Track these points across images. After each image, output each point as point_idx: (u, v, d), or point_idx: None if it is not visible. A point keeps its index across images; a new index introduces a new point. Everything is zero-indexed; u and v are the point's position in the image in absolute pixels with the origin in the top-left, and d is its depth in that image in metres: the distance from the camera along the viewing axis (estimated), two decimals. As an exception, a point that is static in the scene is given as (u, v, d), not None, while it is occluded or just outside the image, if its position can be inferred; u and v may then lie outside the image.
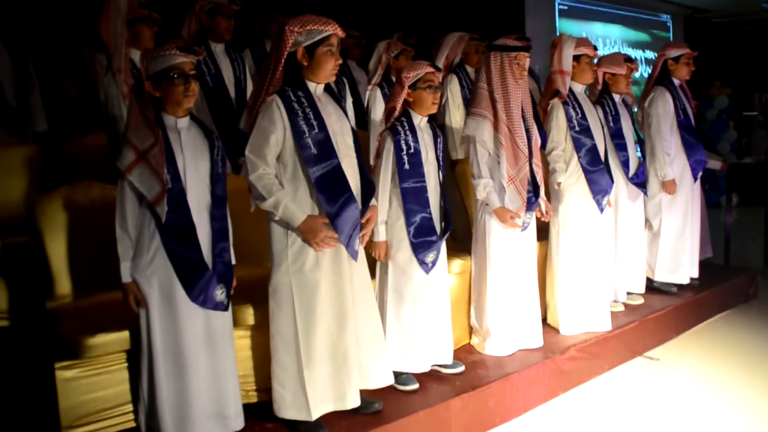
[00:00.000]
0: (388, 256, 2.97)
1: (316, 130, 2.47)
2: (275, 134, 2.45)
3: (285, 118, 2.45)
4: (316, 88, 2.57)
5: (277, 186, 2.46)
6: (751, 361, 3.83)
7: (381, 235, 2.96)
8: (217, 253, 2.42)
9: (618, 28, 9.43)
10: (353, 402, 2.59)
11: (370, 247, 2.93)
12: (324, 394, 2.55)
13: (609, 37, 9.28)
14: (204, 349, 2.39)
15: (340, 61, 2.55)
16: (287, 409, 2.55)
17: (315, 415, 2.52)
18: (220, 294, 2.41)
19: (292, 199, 2.47)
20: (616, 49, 9.25)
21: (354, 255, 2.57)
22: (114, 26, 3.31)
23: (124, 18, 3.30)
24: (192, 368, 2.35)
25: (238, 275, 2.53)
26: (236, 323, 2.60)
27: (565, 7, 8.49)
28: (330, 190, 2.47)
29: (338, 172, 2.48)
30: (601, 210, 3.73)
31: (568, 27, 8.45)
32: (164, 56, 2.32)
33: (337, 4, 5.78)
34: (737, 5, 10.02)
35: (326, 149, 2.47)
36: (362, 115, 4.69)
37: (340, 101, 2.67)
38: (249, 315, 2.69)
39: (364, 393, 2.68)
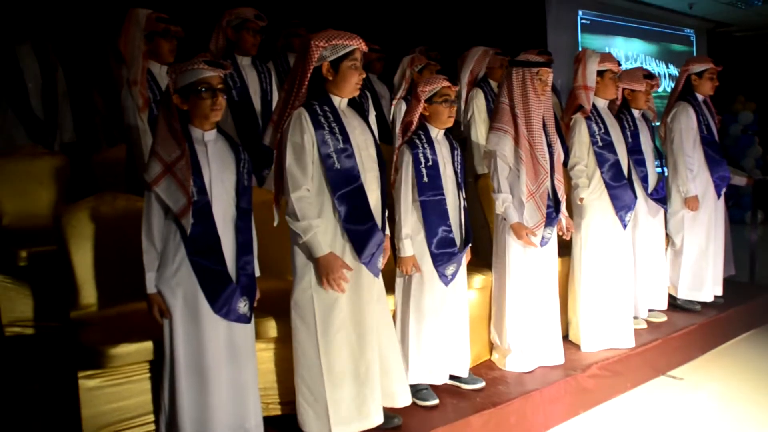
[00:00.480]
0: (416, 270, 2.97)
1: (341, 145, 2.49)
2: (307, 146, 2.47)
3: (311, 131, 2.47)
4: (341, 102, 2.59)
5: (314, 212, 2.48)
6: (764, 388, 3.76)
7: (408, 250, 2.96)
8: (241, 266, 2.44)
9: (640, 43, 9.40)
10: (377, 420, 2.59)
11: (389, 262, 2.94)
12: (349, 413, 2.55)
13: (631, 52, 9.25)
14: (226, 361, 2.41)
15: (364, 75, 2.57)
16: (310, 424, 2.56)
17: None
18: (243, 306, 2.43)
19: (324, 231, 2.49)
20: (638, 64, 9.22)
21: (376, 273, 2.59)
22: (132, 39, 3.35)
23: (142, 32, 3.34)
24: (213, 380, 2.36)
25: (261, 288, 2.54)
26: (258, 335, 2.61)
27: (588, 22, 8.48)
28: (351, 206, 2.49)
29: (360, 189, 2.50)
30: (624, 226, 3.71)
31: (590, 42, 8.44)
32: (192, 70, 2.35)
33: (359, 18, 5.84)
34: (760, 18, 9.93)
35: (350, 163, 2.49)
36: (385, 129, 4.71)
37: (365, 115, 2.68)
38: (271, 328, 2.70)
39: (384, 408, 2.67)
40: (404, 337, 3.01)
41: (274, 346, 2.74)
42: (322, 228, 2.49)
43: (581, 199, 3.69)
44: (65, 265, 2.82)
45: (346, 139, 2.51)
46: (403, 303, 3.05)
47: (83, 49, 4.74)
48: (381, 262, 2.63)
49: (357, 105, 2.70)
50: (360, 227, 2.50)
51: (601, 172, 3.68)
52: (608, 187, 3.67)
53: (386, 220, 2.68)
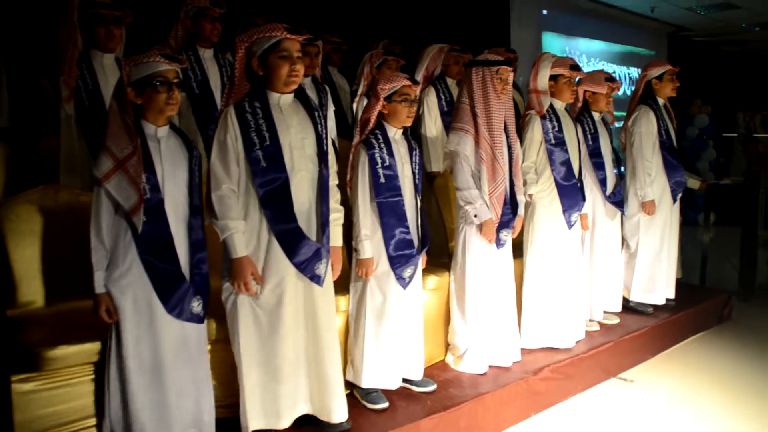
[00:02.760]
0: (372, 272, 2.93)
1: (268, 143, 2.43)
2: (231, 145, 2.42)
3: (236, 129, 2.42)
4: (280, 99, 2.52)
5: (235, 212, 2.43)
6: (724, 384, 3.83)
7: (366, 252, 2.91)
8: (195, 264, 2.41)
9: (602, 44, 9.49)
10: (286, 423, 2.56)
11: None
12: (263, 408, 2.53)
13: (593, 53, 9.34)
14: (180, 361, 2.37)
15: (298, 66, 2.47)
16: (241, 416, 2.54)
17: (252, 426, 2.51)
18: (197, 306, 2.39)
19: (243, 232, 2.44)
20: (600, 65, 9.32)
21: (317, 281, 2.54)
22: (65, 26, 3.22)
23: (74, 19, 3.20)
24: (169, 379, 2.33)
25: (207, 288, 2.48)
26: (204, 338, 2.55)
27: (551, 21, 8.52)
28: (275, 207, 2.44)
29: (284, 190, 2.45)
30: (570, 226, 3.71)
31: (552, 41, 8.49)
32: (147, 63, 2.29)
33: (322, 9, 5.76)
34: (718, 24, 10.13)
35: (276, 163, 2.44)
36: (346, 123, 4.65)
37: (312, 111, 2.61)
38: (213, 329, 2.63)
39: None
40: (360, 341, 2.97)
41: (214, 347, 2.66)
42: (245, 229, 2.45)
43: (530, 196, 3.69)
44: (2, 260, 2.69)
45: (274, 138, 2.45)
46: (358, 306, 3.00)
47: (32, 33, 4.55)
48: (324, 269, 2.55)
49: (304, 100, 2.62)
50: (285, 226, 2.45)
51: (552, 170, 3.68)
52: (558, 185, 3.67)
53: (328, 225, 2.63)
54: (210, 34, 3.62)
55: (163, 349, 2.32)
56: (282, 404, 2.54)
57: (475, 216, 3.26)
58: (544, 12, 8.37)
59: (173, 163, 2.38)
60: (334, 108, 4.27)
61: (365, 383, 2.95)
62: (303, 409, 2.62)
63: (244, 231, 2.46)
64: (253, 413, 2.52)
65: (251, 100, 2.48)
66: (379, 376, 2.97)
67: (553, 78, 3.72)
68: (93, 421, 2.46)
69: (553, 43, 8.52)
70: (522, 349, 3.58)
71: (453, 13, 6.87)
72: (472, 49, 4.52)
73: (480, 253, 3.31)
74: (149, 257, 2.28)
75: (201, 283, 2.40)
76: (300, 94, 2.62)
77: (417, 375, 3.10)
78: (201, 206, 2.46)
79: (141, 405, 2.29)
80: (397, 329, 2.98)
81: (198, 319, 2.40)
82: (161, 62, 2.29)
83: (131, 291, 2.28)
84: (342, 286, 3.01)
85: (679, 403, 3.55)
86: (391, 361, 2.99)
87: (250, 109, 2.46)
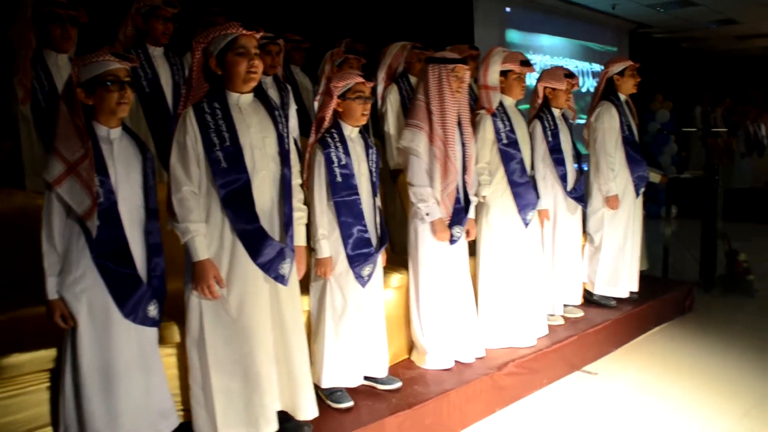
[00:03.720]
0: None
1: (228, 143, 2.41)
2: (190, 146, 2.40)
3: (196, 130, 2.40)
4: (239, 98, 2.50)
5: (196, 215, 2.40)
6: (687, 373, 3.89)
7: (324, 251, 2.89)
8: (152, 268, 2.38)
9: (565, 41, 9.59)
10: (266, 429, 2.51)
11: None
12: (237, 417, 2.48)
13: (556, 49, 9.43)
14: (137, 366, 2.33)
15: (256, 62, 2.45)
16: (201, 427, 2.50)
17: None
18: (153, 310, 2.36)
19: (204, 235, 2.41)
20: (563, 61, 9.41)
21: (281, 281, 2.51)
22: (19, 25, 3.15)
23: (28, 18, 3.13)
24: (123, 387, 2.29)
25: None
26: (163, 341, 2.51)
27: (514, 19, 8.58)
28: (237, 207, 2.42)
29: (245, 190, 2.42)
30: (526, 224, 3.73)
31: (516, 38, 8.55)
32: (97, 62, 2.24)
33: (284, 7, 5.72)
34: (678, 22, 10.31)
35: (236, 163, 2.41)
36: (309, 122, 4.62)
37: (272, 110, 2.59)
38: (175, 332, 2.59)
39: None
40: (320, 340, 2.95)
41: (177, 351, 2.62)
42: (206, 232, 2.42)
43: (483, 197, 3.70)
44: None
45: (234, 138, 2.42)
46: (318, 305, 2.98)
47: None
48: (288, 269, 2.53)
49: (264, 99, 2.60)
50: (248, 227, 2.43)
51: (505, 170, 3.69)
52: (511, 184, 3.69)
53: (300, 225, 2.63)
54: (161, 34, 3.57)
55: (119, 355, 2.28)
56: (262, 412, 2.50)
57: (427, 214, 3.26)
58: (508, 9, 8.43)
59: (127, 165, 2.34)
60: (296, 107, 4.24)
61: (325, 383, 2.94)
62: (277, 407, 2.60)
63: (206, 234, 2.43)
64: (226, 421, 2.47)
65: (210, 101, 2.45)
66: (340, 374, 2.96)
67: (504, 74, 3.73)
68: (49, 429, 2.39)
69: (517, 40, 8.59)
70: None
71: (417, 11, 6.88)
72: (436, 46, 4.52)
73: (433, 249, 3.32)
74: (104, 261, 2.24)
75: (158, 287, 2.38)
76: (260, 94, 2.60)
77: (381, 373, 3.10)
78: (156, 209, 2.42)
79: (96, 411, 2.25)
80: (358, 328, 2.98)
81: (153, 323, 2.37)
82: (112, 61, 2.24)
83: (86, 296, 2.23)
84: (303, 285, 2.99)
85: (643, 394, 3.60)
86: (351, 359, 2.97)
87: (209, 109, 2.43)
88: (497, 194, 3.71)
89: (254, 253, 2.44)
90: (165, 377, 2.47)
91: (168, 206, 2.43)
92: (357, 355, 2.99)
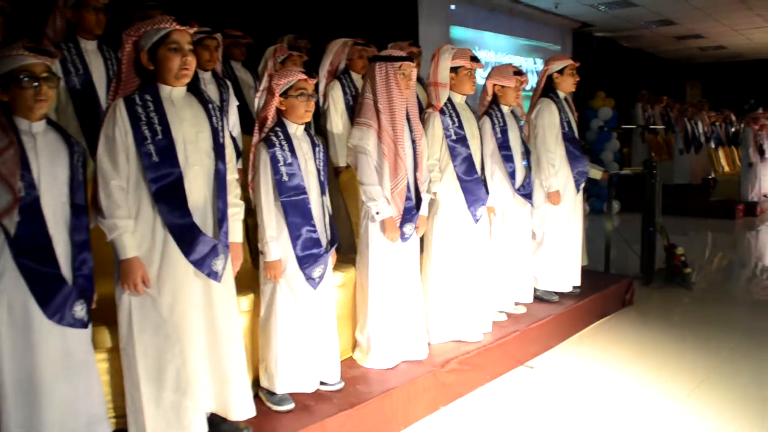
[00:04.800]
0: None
1: (160, 136, 2.34)
2: (119, 140, 2.32)
3: (126, 123, 2.32)
4: (172, 91, 2.43)
5: (123, 211, 2.33)
6: (629, 363, 3.98)
7: (273, 254, 2.82)
8: (77, 266, 2.27)
9: (510, 38, 9.69)
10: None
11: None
12: (167, 423, 2.41)
13: (501, 47, 9.52)
14: (64, 371, 2.22)
15: (190, 59, 2.40)
16: None
17: None
18: (80, 310, 2.25)
19: (132, 232, 2.34)
20: (508, 59, 9.51)
21: (215, 277, 2.45)
22: None
23: None
24: (46, 396, 2.17)
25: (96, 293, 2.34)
26: (94, 346, 2.41)
27: (459, 16, 8.62)
28: (169, 202, 2.35)
29: (178, 185, 2.36)
30: (476, 220, 3.74)
31: (461, 35, 8.59)
32: (11, 57, 2.14)
33: (226, 3, 5.61)
34: (619, 21, 10.54)
35: (168, 158, 2.34)
36: (250, 119, 4.53)
37: (207, 104, 2.52)
38: (107, 337, 2.50)
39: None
40: (271, 346, 2.89)
41: (109, 356, 2.53)
42: (137, 228, 2.35)
43: (434, 194, 3.69)
44: None
45: (167, 131, 2.36)
46: (268, 310, 2.91)
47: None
48: (222, 265, 2.46)
49: (198, 94, 2.53)
50: (180, 222, 2.36)
51: (454, 166, 3.69)
52: (460, 180, 3.69)
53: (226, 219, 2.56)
54: (93, 26, 3.43)
55: (43, 361, 2.17)
56: (194, 417, 2.43)
57: (377, 213, 3.23)
58: (453, 7, 8.46)
59: (51, 159, 2.24)
60: (237, 103, 4.16)
61: (280, 389, 2.87)
62: (210, 409, 2.54)
63: (134, 231, 2.35)
64: (158, 427, 2.40)
65: (142, 94, 2.38)
66: (294, 380, 2.90)
67: (454, 70, 3.73)
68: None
69: (462, 37, 8.63)
70: (430, 342, 3.58)
71: (361, 7, 6.84)
72: (380, 43, 4.50)
73: (383, 248, 3.29)
74: (25, 260, 2.13)
75: (84, 286, 2.27)
76: (193, 88, 2.53)
77: (334, 378, 3.05)
78: (85, 205, 2.33)
79: (19, 422, 2.14)
80: (310, 331, 2.92)
81: (81, 324, 2.26)
82: (26, 56, 2.14)
83: (5, 298, 2.12)
84: (245, 285, 2.93)
85: (586, 387, 3.65)
86: (305, 364, 2.92)
87: (141, 102, 2.36)
88: (447, 190, 3.71)
89: (186, 249, 2.38)
90: (99, 381, 2.37)
91: (93, 201, 2.35)
92: (311, 359, 2.93)
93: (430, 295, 3.72)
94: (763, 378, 3.79)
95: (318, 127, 4.36)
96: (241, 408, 2.56)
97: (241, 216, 2.67)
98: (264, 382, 2.92)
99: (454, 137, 3.70)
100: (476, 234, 3.78)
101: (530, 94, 5.19)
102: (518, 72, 4.21)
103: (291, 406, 2.85)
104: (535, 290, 4.57)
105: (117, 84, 2.42)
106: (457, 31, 8.55)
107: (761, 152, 10.74)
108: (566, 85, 4.51)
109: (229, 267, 2.54)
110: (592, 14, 10.14)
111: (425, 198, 3.45)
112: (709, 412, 3.33)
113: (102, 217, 2.32)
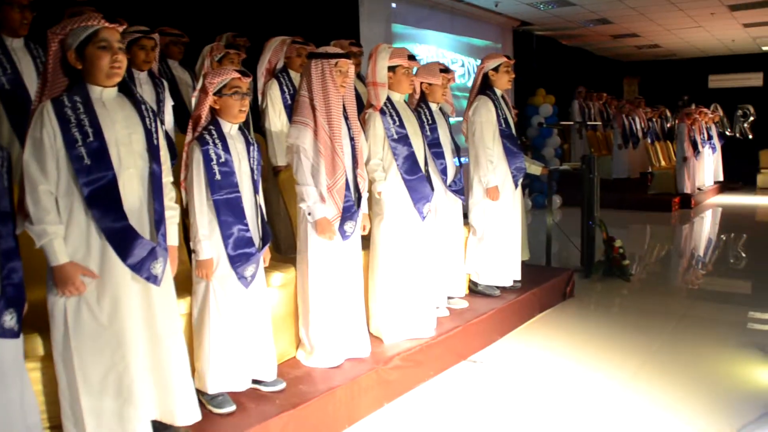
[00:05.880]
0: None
1: (91, 139, 2.28)
2: (47, 143, 2.25)
3: (55, 125, 2.25)
4: (103, 92, 2.37)
5: (53, 216, 2.25)
6: (571, 353, 4.09)
7: (205, 253, 2.79)
8: (6, 275, 2.17)
9: (451, 37, 9.78)
10: None
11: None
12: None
13: (442, 45, 9.59)
14: None
15: (120, 57, 2.35)
16: None
17: None
18: (9, 320, 2.16)
19: (69, 236, 2.27)
20: (450, 57, 9.59)
21: (154, 281, 2.40)
22: None
23: None
24: None
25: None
26: (26, 354, 2.32)
27: (400, 14, 8.65)
28: (103, 206, 2.29)
29: (111, 188, 2.30)
30: (423, 218, 3.77)
31: (402, 33, 8.63)
32: None
33: (162, 1, 5.49)
34: (558, 20, 10.76)
35: (101, 160, 2.28)
36: (187, 116, 4.46)
37: (139, 105, 2.47)
38: (38, 345, 2.42)
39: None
40: (204, 345, 2.85)
41: (42, 364, 2.45)
42: (68, 234, 2.28)
43: (379, 193, 3.71)
44: None
45: (98, 133, 2.30)
46: (201, 309, 2.87)
47: None
48: (161, 268, 2.42)
49: (130, 95, 2.48)
50: (115, 225, 2.30)
51: (397, 165, 3.71)
52: (405, 179, 3.71)
53: (172, 224, 2.54)
54: (19, 25, 3.32)
55: None
56: (137, 425, 2.37)
57: (309, 214, 3.23)
58: (394, 5, 8.48)
59: None
60: (173, 103, 4.09)
61: (211, 389, 2.84)
62: (153, 416, 2.49)
63: (67, 237, 2.28)
64: None
65: (70, 95, 2.31)
66: (226, 379, 2.87)
67: (392, 69, 3.75)
68: None
69: (403, 35, 8.67)
70: (372, 340, 3.60)
71: (302, 5, 6.80)
72: (321, 42, 4.46)
73: (322, 247, 3.28)
74: None
75: (14, 295, 2.18)
76: (125, 88, 2.47)
77: (269, 376, 3.03)
78: (10, 212, 2.24)
79: None
80: (243, 330, 2.90)
81: (11, 334, 2.17)
82: None
83: None
84: (184, 288, 2.88)
85: (530, 377, 3.72)
86: (237, 362, 2.89)
87: (70, 103, 2.29)
88: (392, 189, 3.72)
89: (124, 254, 2.32)
90: (32, 391, 2.29)
91: (20, 207, 2.27)
92: (243, 358, 2.91)
93: (381, 295, 3.73)
94: (698, 359, 3.98)
95: (257, 126, 4.32)
96: (187, 413, 2.52)
97: (177, 219, 2.62)
98: (196, 383, 2.87)
99: (395, 136, 3.72)
100: (422, 231, 3.81)
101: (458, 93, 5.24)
102: (445, 69, 4.26)
103: (232, 408, 2.82)
104: (477, 285, 4.63)
105: (43, 85, 2.35)
106: (399, 29, 8.58)
107: (695, 147, 11.14)
108: (502, 83, 4.58)
109: (168, 270, 2.50)
110: (531, 13, 10.31)
111: (365, 195, 3.45)
112: (653, 390, 3.50)
113: (30, 223, 2.24)
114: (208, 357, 2.84)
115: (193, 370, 2.91)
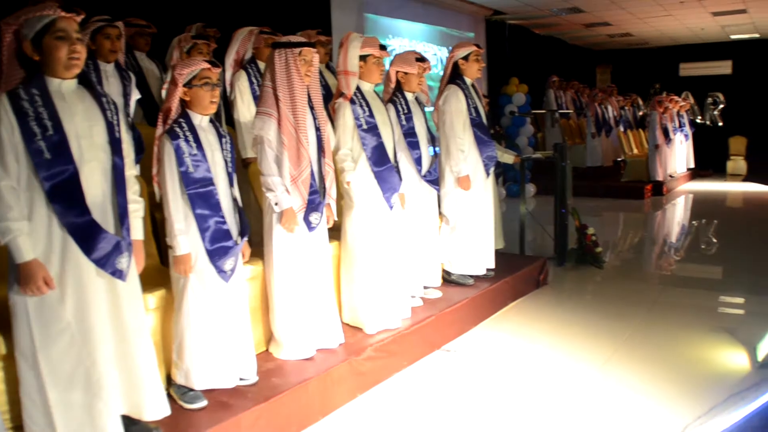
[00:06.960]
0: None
1: (51, 132, 2.23)
2: (7, 137, 2.19)
3: (12, 119, 2.20)
4: (61, 84, 2.32)
5: (16, 212, 2.19)
6: (545, 340, 4.12)
7: (182, 248, 2.75)
8: None
9: (423, 26, 9.75)
10: None
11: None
12: (80, 427, 2.31)
13: (415, 35, 9.57)
14: None
15: (78, 47, 2.29)
16: None
17: None
18: None
19: (29, 234, 2.21)
20: (422, 47, 9.57)
21: (119, 275, 2.36)
22: None
23: None
24: None
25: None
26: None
27: (372, 4, 8.60)
28: (65, 200, 2.24)
29: (73, 181, 2.25)
30: (391, 207, 3.76)
31: (374, 22, 8.58)
32: None
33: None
34: (530, 9, 10.77)
35: (61, 154, 2.23)
36: (156, 110, 4.39)
37: (100, 97, 2.42)
38: (0, 344, 2.36)
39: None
40: (185, 342, 2.82)
41: (4, 364, 2.40)
42: (30, 229, 2.22)
43: (348, 183, 3.69)
44: None
45: (58, 126, 2.25)
46: (180, 305, 2.83)
47: None
48: (126, 263, 2.38)
49: (90, 87, 2.42)
50: (78, 220, 2.26)
51: (366, 156, 3.69)
52: (374, 170, 3.69)
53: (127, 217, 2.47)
54: None
55: None
56: (107, 420, 2.33)
57: (275, 204, 3.20)
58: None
59: None
60: (140, 96, 4.01)
61: (198, 385, 2.82)
62: (122, 411, 2.45)
63: (30, 232, 2.22)
64: None
65: (27, 88, 2.25)
66: (212, 375, 2.85)
67: (362, 58, 3.72)
68: None
69: (376, 24, 8.62)
70: (345, 331, 3.58)
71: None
72: (292, 32, 4.42)
73: (287, 239, 3.25)
74: None
75: None
76: (84, 80, 2.42)
77: (251, 374, 3.01)
78: None
79: None
80: (224, 325, 2.87)
81: None
82: None
83: None
84: (152, 282, 2.85)
85: (504, 365, 3.74)
86: (221, 358, 2.86)
87: (27, 96, 2.23)
88: (361, 179, 3.70)
89: (88, 248, 2.28)
90: None
91: None
92: (227, 354, 2.88)
93: (358, 285, 3.71)
94: (670, 343, 4.05)
95: (229, 117, 4.27)
96: (155, 408, 2.49)
97: (141, 213, 2.58)
98: (180, 380, 2.85)
99: (365, 126, 3.70)
100: (393, 221, 3.80)
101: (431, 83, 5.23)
102: (421, 59, 4.24)
103: (204, 403, 2.79)
104: (450, 274, 4.64)
105: None
106: (371, 19, 8.53)
107: (666, 134, 11.26)
108: (472, 71, 4.57)
109: (133, 265, 2.46)
110: (504, 2, 10.32)
111: (330, 186, 3.42)
112: (625, 375, 3.55)
113: None
114: (191, 354, 2.81)
115: (168, 367, 2.88)
